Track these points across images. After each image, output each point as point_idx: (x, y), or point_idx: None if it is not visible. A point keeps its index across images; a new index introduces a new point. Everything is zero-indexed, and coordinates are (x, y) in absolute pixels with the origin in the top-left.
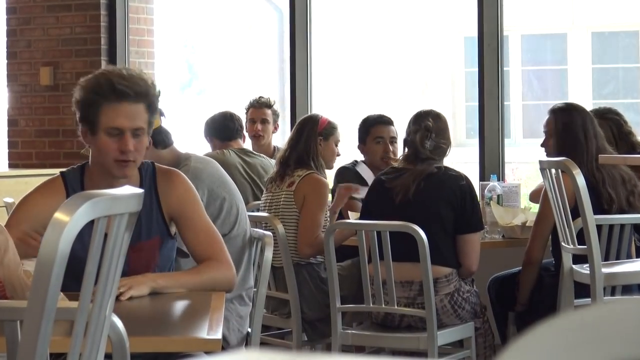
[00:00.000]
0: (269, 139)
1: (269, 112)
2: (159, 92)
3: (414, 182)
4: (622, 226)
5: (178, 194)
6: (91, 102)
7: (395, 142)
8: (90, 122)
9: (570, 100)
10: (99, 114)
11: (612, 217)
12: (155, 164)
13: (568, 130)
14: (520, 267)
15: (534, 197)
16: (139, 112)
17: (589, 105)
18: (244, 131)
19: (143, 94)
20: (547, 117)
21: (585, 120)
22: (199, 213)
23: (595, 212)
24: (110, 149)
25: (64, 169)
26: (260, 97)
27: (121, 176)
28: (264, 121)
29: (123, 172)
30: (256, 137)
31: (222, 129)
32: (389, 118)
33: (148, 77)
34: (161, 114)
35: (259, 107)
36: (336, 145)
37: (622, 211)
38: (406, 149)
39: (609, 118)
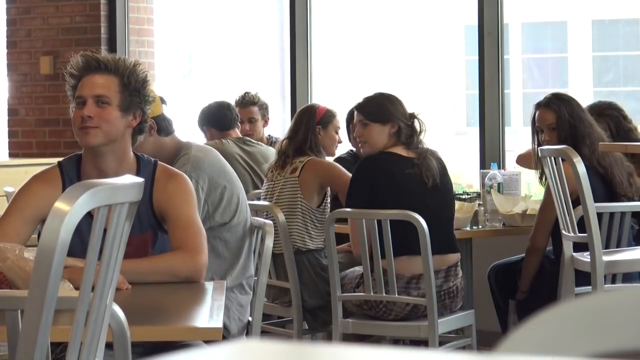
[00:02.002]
0: (259, 135)
1: (255, 109)
2: (142, 74)
3: (438, 166)
4: (623, 214)
5: (169, 190)
6: (73, 85)
7: None
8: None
9: (571, 89)
10: (75, 93)
11: (613, 205)
12: (160, 163)
13: (572, 121)
14: (521, 255)
15: (521, 160)
16: (105, 82)
17: (589, 93)
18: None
19: (110, 66)
20: (536, 112)
21: (583, 110)
22: (184, 208)
23: (608, 198)
24: (76, 118)
25: (61, 159)
26: (245, 93)
27: (85, 144)
28: (251, 120)
29: (86, 140)
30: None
31: (221, 118)
32: None
33: (129, 60)
34: (163, 101)
35: (244, 107)
36: (336, 133)
37: (625, 194)
38: (417, 134)
39: (608, 114)
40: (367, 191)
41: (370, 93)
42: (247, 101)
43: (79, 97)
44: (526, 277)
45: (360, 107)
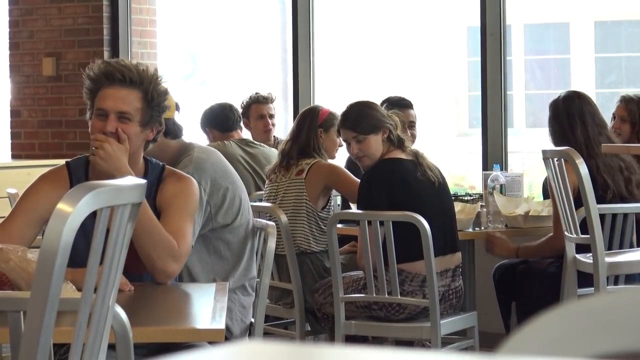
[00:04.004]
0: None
1: (272, 106)
2: (164, 87)
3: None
4: (625, 215)
5: (171, 191)
6: (91, 89)
7: (414, 127)
8: (92, 109)
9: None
10: (95, 100)
11: (615, 206)
12: (167, 167)
13: (555, 119)
14: (523, 258)
15: None
16: (128, 97)
17: (592, 94)
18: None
19: (135, 80)
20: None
21: (572, 109)
22: (180, 212)
23: None
24: (95, 129)
25: (69, 159)
26: (257, 93)
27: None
28: (272, 116)
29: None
30: (267, 132)
31: (223, 119)
32: (409, 101)
33: (151, 69)
34: (177, 108)
35: (265, 103)
36: (338, 136)
37: (621, 199)
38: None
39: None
40: (385, 198)
41: (345, 107)
42: (268, 98)
43: (101, 109)
44: (530, 251)
45: (347, 124)
